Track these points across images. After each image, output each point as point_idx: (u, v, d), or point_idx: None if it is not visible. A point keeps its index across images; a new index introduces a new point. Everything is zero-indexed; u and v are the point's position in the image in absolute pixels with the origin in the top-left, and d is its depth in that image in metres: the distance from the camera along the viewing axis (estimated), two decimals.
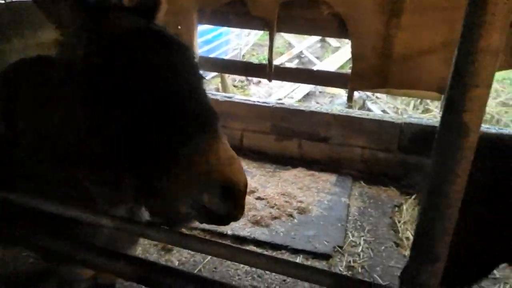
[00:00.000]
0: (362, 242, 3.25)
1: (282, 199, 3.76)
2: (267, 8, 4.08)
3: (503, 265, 2.68)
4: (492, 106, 6.50)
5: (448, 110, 0.71)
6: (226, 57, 7.79)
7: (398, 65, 3.84)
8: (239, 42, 8.95)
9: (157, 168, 0.94)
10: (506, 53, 3.66)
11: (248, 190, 1.01)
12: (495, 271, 2.95)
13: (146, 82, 0.95)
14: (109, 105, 0.96)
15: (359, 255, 3.10)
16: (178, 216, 1.08)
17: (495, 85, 6.98)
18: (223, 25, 4.87)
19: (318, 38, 8.98)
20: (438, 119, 4.17)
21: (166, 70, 0.97)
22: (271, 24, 4.14)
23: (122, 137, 0.97)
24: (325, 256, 3.05)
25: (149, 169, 0.96)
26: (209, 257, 2.91)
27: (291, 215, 3.53)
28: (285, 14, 4.16)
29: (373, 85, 4.03)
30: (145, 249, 3.01)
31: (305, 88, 7.15)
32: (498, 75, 7.50)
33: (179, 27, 4.40)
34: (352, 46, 3.94)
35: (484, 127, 4.65)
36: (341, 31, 3.97)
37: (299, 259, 3.00)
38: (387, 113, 6.28)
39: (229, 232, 3.21)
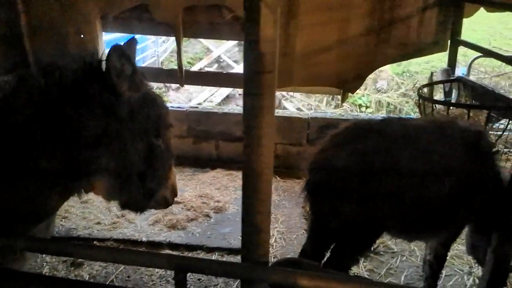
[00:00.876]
0: (275, 233, 3.39)
1: (200, 201, 3.80)
2: (170, 13, 4.09)
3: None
4: (394, 98, 7.09)
5: (246, 95, 0.80)
6: (143, 65, 7.65)
7: (300, 64, 4.06)
8: (156, 49, 8.83)
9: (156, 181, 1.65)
10: (395, 47, 4.04)
11: None
12: (393, 246, 3.25)
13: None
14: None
15: (272, 246, 3.23)
16: (145, 206, 1.71)
17: (396, 79, 7.66)
18: (128, 32, 4.80)
19: (235, 42, 9.15)
20: (348, 112, 4.46)
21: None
22: (176, 29, 4.16)
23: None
24: (240, 251, 3.14)
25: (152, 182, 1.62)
26: (122, 266, 2.86)
27: (207, 215, 3.58)
28: (189, 19, 4.21)
29: (279, 84, 4.21)
30: (53, 266, 2.88)
31: (224, 91, 7.25)
32: (399, 69, 8.23)
33: (82, 36, 4.25)
34: None
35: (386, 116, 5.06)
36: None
37: (214, 257, 3.05)
38: (302, 110, 6.59)
39: (144, 239, 3.19)
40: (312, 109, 6.79)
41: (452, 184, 2.02)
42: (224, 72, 7.07)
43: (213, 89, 7.18)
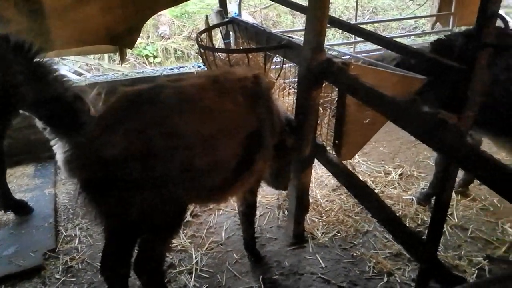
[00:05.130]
0: (78, 233, 2.88)
1: None
2: None
3: None
4: (179, 42, 6.85)
5: None
6: None
7: (56, 21, 3.30)
8: None
9: None
10: None
11: None
12: None
13: None
14: None
15: (77, 249, 2.73)
16: None
17: (176, 22, 7.37)
18: None
19: None
20: (132, 71, 3.83)
21: None
22: None
23: None
24: (36, 270, 2.54)
25: None
26: None
27: None
28: None
29: None
30: None
31: None
32: (177, 11, 7.89)
33: None
34: None
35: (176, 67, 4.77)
36: None
37: None
38: (81, 73, 5.70)
39: None
40: (93, 69, 5.94)
41: (243, 136, 1.93)
42: None
43: None
